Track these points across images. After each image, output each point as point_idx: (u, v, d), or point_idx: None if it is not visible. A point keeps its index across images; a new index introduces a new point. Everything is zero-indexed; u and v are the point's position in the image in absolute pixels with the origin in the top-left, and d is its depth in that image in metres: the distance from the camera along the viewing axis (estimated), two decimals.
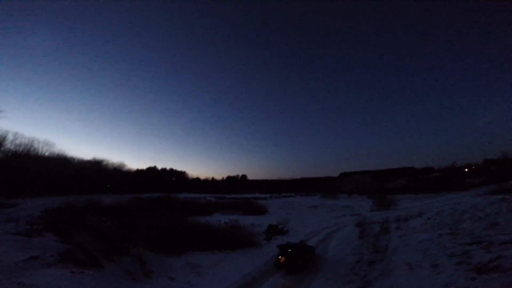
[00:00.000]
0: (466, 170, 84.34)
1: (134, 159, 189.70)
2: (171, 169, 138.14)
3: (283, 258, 9.89)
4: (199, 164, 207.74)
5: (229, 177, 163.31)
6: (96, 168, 61.70)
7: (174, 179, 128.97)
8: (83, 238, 9.78)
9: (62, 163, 49.09)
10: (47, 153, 46.71)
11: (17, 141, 39.95)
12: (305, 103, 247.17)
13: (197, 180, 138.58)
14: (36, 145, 44.83)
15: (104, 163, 68.70)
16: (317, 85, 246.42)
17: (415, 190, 64.46)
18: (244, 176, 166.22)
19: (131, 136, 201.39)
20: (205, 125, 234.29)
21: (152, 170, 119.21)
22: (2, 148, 36.38)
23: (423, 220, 15.96)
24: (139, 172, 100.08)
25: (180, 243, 11.14)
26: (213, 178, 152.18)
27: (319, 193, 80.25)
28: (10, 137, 38.74)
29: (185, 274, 8.84)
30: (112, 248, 8.38)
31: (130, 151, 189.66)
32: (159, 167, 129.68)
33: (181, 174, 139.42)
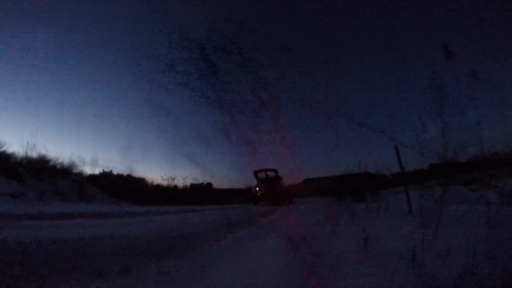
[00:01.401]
0: (414, 173, 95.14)
1: (87, 162, 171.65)
2: (129, 175, 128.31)
3: (261, 191, 8.27)
4: (160, 170, 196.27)
5: (192, 185, 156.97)
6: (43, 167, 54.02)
7: (131, 186, 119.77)
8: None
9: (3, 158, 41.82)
10: None
11: None
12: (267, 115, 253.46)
13: (157, 187, 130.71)
14: None
15: (52, 162, 60.40)
16: (282, 97, 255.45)
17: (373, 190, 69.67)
18: (209, 184, 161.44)
19: (81, 138, 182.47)
20: (167, 129, 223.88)
21: (106, 175, 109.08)
22: None
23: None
24: (92, 176, 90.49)
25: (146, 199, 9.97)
26: (176, 186, 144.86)
27: None
28: None
29: (141, 204, 7.59)
30: (46, 170, 6.98)
31: (82, 153, 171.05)
32: (115, 172, 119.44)
33: (140, 181, 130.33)
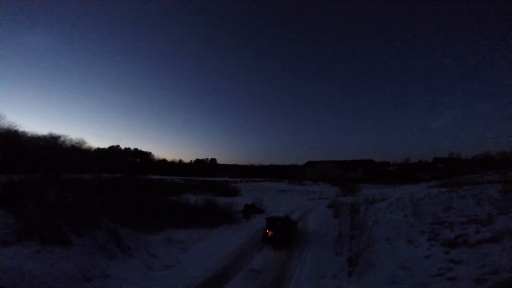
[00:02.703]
0: (418, 165, 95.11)
1: (95, 137, 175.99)
2: (136, 149, 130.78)
3: (271, 232, 9.83)
4: (166, 145, 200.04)
5: (197, 160, 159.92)
6: (51, 144, 55.85)
7: (138, 160, 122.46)
8: (42, 214, 8.72)
9: (11, 137, 43.30)
10: None
11: None
12: (275, 93, 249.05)
13: (163, 162, 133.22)
14: None
15: (62, 139, 62.63)
16: (287, 77, 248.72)
17: (373, 180, 70.30)
18: (213, 160, 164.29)
19: (92, 113, 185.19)
20: (173, 105, 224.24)
21: (114, 150, 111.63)
22: None
23: (387, 203, 17.54)
24: (100, 151, 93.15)
25: (156, 219, 10.57)
26: (180, 161, 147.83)
27: (286, 180, 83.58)
28: None
29: (168, 250, 8.17)
30: (81, 221, 7.33)
31: (91, 129, 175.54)
32: (123, 146, 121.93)
33: (146, 155, 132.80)
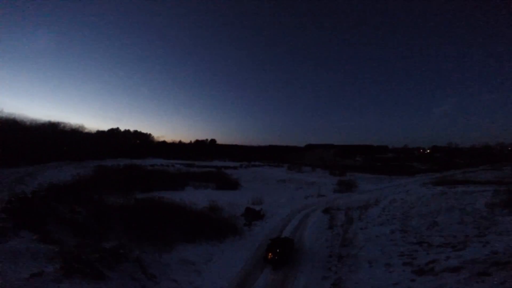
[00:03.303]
0: (415, 153, 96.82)
1: (95, 119, 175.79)
2: (135, 131, 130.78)
3: (271, 254, 11.15)
4: (166, 126, 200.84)
5: (197, 141, 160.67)
6: (51, 131, 56.04)
7: (138, 142, 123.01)
8: (64, 237, 9.55)
9: (11, 126, 43.45)
10: None
11: None
12: (276, 72, 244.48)
13: (163, 143, 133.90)
14: None
15: (62, 125, 63.05)
16: (289, 58, 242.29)
17: (371, 170, 71.71)
18: (213, 141, 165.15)
19: (91, 94, 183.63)
20: (172, 85, 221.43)
21: (114, 132, 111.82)
22: None
23: (380, 209, 18.62)
24: (100, 133, 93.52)
25: (166, 232, 11.60)
26: (180, 142, 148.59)
27: (285, 164, 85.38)
28: None
29: (185, 273, 9.38)
30: (109, 254, 8.20)
31: (90, 111, 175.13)
32: (122, 128, 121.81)
33: (146, 137, 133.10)
